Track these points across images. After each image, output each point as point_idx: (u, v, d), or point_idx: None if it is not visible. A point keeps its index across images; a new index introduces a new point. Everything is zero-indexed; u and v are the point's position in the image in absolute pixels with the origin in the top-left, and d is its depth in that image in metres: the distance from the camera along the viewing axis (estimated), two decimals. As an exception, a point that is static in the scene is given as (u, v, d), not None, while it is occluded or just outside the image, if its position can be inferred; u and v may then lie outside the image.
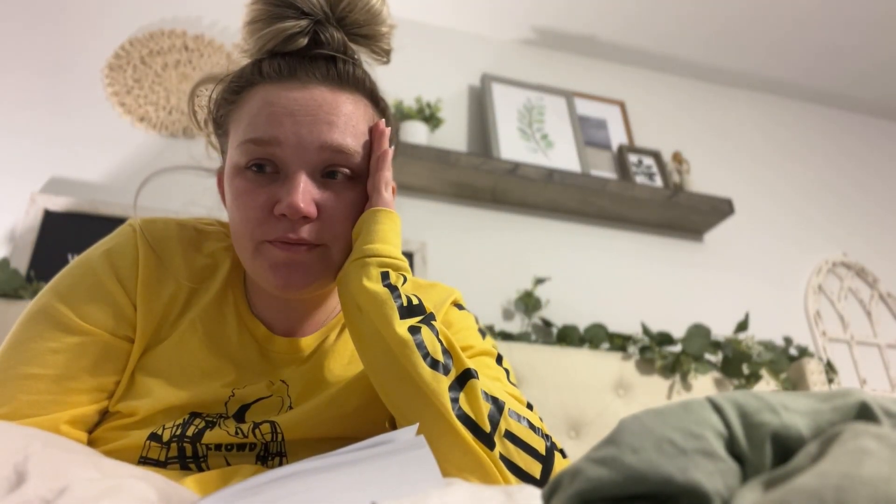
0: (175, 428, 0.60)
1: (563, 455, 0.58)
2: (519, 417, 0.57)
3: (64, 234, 1.47)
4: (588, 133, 2.07)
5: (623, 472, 0.25)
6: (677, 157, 2.05)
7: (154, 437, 0.60)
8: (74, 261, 0.66)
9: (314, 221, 0.61)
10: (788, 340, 1.85)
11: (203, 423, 0.61)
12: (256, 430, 0.61)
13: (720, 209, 1.92)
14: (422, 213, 1.79)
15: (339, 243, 0.63)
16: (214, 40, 1.85)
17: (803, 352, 1.80)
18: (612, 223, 1.98)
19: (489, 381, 0.61)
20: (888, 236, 2.29)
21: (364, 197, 0.65)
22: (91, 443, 0.62)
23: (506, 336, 1.59)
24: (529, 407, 0.62)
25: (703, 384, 1.60)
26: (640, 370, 1.57)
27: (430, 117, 1.85)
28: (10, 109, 1.59)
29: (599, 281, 1.85)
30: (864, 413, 0.27)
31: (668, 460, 0.25)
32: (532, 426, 0.57)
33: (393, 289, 0.59)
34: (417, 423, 0.49)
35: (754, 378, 1.62)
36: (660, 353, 1.59)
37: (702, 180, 2.14)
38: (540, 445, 0.56)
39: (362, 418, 0.65)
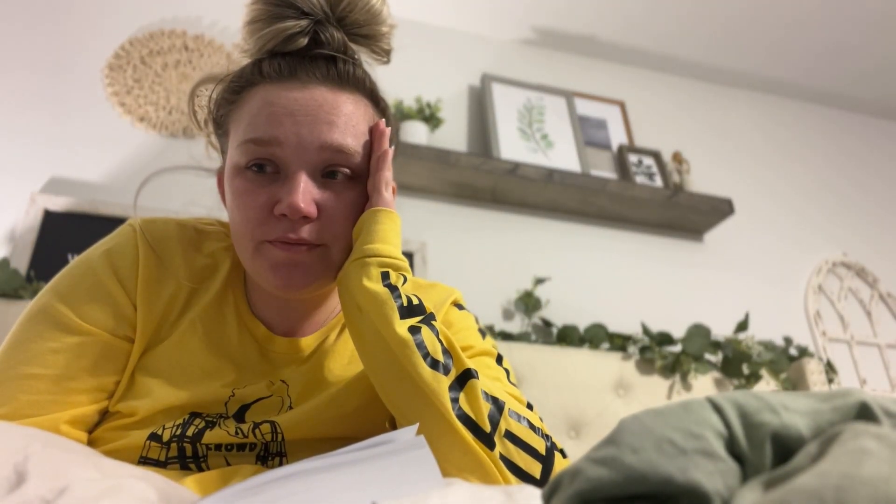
0: (175, 428, 0.60)
1: (563, 455, 0.58)
2: (519, 417, 0.57)
3: (64, 234, 1.47)
4: (588, 133, 2.07)
5: (623, 472, 0.25)
6: (677, 157, 2.05)
7: (154, 437, 0.60)
8: (74, 261, 0.66)
9: (314, 221, 0.61)
10: (788, 340, 1.85)
11: (203, 423, 0.61)
12: (256, 430, 0.61)
13: (720, 209, 1.92)
14: (422, 213, 1.79)
15: (340, 243, 0.63)
16: (214, 40, 1.85)
17: (803, 352, 1.80)
18: (612, 223, 1.98)
19: (489, 381, 0.61)
20: (888, 236, 2.29)
21: (364, 197, 0.65)
22: (91, 443, 0.62)
23: (506, 336, 1.59)
24: (529, 407, 0.62)
25: (703, 384, 1.60)
26: (640, 370, 1.57)
27: (430, 117, 1.85)
28: (10, 109, 1.59)
29: (599, 281, 1.85)
30: (864, 413, 0.27)
31: (668, 460, 0.25)
32: (532, 426, 0.57)
33: (393, 289, 0.59)
34: (417, 423, 0.49)
35: (754, 378, 1.62)
36: (660, 353, 1.59)
37: (702, 180, 2.14)
38: (540, 445, 0.56)
39: (362, 418, 0.65)
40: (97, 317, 0.61)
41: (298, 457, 0.62)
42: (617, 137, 2.10)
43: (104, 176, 1.58)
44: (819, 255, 2.15)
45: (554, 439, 0.58)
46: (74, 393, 0.60)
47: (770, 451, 0.26)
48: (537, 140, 1.96)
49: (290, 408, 0.64)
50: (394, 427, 0.66)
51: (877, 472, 0.21)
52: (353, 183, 0.64)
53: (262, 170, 0.62)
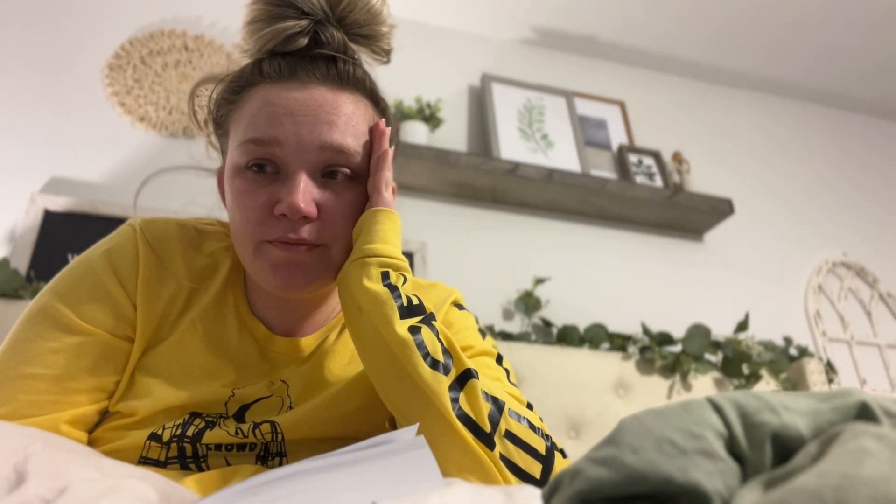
0: (175, 428, 0.60)
1: (563, 455, 0.58)
2: (519, 417, 0.57)
3: (64, 234, 1.47)
4: (588, 133, 2.07)
5: (623, 472, 0.25)
6: (677, 157, 2.05)
7: (154, 437, 0.60)
8: (74, 261, 0.66)
9: (314, 221, 0.61)
10: (788, 340, 1.85)
11: (203, 423, 0.61)
12: (256, 430, 0.61)
13: (720, 209, 1.92)
14: (422, 213, 1.79)
15: (340, 243, 0.63)
16: (214, 40, 1.85)
17: (803, 352, 1.80)
18: (612, 223, 1.98)
19: (489, 381, 0.61)
20: (888, 236, 2.29)
21: (364, 197, 0.65)
22: (91, 443, 0.62)
23: (506, 336, 1.59)
24: (529, 407, 0.62)
25: (703, 384, 1.60)
26: (640, 370, 1.57)
27: (430, 117, 1.85)
28: (10, 109, 1.59)
29: (599, 281, 1.85)
30: (864, 413, 0.27)
31: (668, 460, 0.25)
32: (532, 426, 0.57)
33: (393, 289, 0.59)
34: (417, 423, 0.49)
35: (754, 378, 1.62)
36: (660, 353, 1.59)
37: (702, 180, 2.14)
38: (540, 445, 0.56)
39: (362, 418, 0.65)
40: (97, 317, 0.61)
41: (298, 457, 0.62)
42: (617, 137, 2.10)
43: (104, 176, 1.58)
44: (819, 255, 2.15)
45: (554, 439, 0.58)
46: (74, 393, 0.60)
47: (770, 451, 0.26)
48: (537, 140, 1.96)
49: (290, 408, 0.64)
50: (394, 427, 0.66)
51: (877, 472, 0.21)
52: (354, 183, 0.64)
53: (262, 170, 0.62)
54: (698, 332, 1.66)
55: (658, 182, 1.99)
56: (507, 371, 0.67)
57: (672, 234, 2.02)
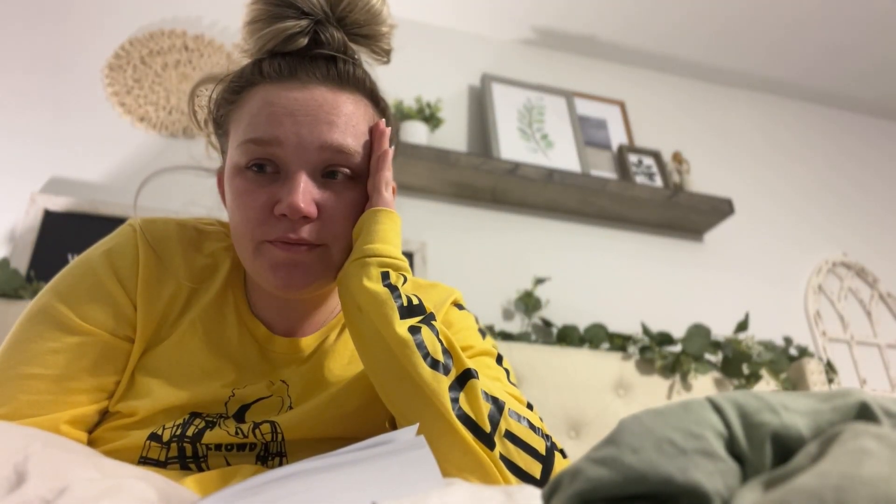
0: (175, 428, 0.60)
1: (564, 455, 0.58)
2: (519, 417, 0.57)
3: (64, 234, 1.47)
4: (588, 133, 2.07)
5: (623, 472, 0.25)
6: (677, 157, 2.05)
7: (154, 437, 0.60)
8: (74, 261, 0.66)
9: (314, 221, 0.61)
10: (788, 340, 1.85)
11: (203, 423, 0.61)
12: (256, 430, 0.61)
13: (720, 209, 1.92)
14: (422, 213, 1.79)
15: (340, 243, 0.63)
16: (214, 40, 1.85)
17: (803, 352, 1.80)
18: (612, 223, 1.98)
19: (489, 381, 0.61)
20: (888, 236, 2.29)
21: (364, 197, 0.65)
22: (91, 443, 0.62)
23: (506, 336, 1.59)
24: (529, 407, 0.62)
25: (703, 384, 1.60)
26: (640, 370, 1.57)
27: (430, 117, 1.85)
28: (10, 109, 1.59)
29: (599, 281, 1.85)
30: (864, 413, 0.27)
31: (668, 460, 0.25)
32: (532, 426, 0.57)
33: (393, 289, 0.59)
34: (417, 423, 0.49)
35: (754, 378, 1.62)
36: (660, 353, 1.59)
37: (702, 180, 2.14)
38: (540, 445, 0.56)
39: (362, 418, 0.65)
40: (97, 317, 0.61)
41: (298, 457, 0.62)
42: (617, 137, 2.10)
43: (104, 176, 1.58)
44: (819, 255, 2.15)
45: (554, 439, 0.58)
46: (74, 393, 0.60)
47: (770, 451, 0.26)
48: (537, 140, 1.96)
49: (290, 408, 0.64)
50: (394, 427, 0.66)
51: (877, 472, 0.21)
52: (354, 183, 0.64)
53: (263, 170, 0.62)
54: (698, 332, 1.66)
55: (658, 182, 1.99)
56: (507, 371, 0.67)
57: (672, 234, 2.02)
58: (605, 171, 2.00)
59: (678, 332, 1.77)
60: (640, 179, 1.97)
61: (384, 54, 0.71)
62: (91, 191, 1.55)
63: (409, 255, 1.67)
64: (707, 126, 2.30)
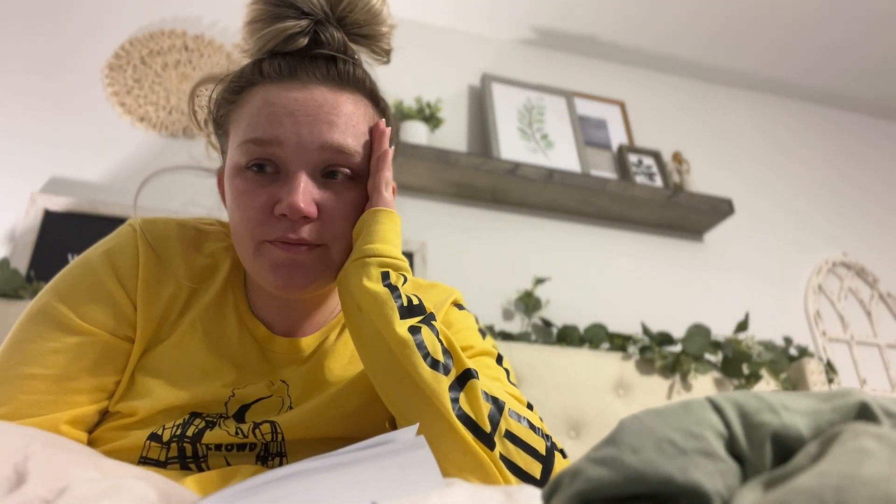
0: (175, 428, 0.60)
1: (564, 455, 0.58)
2: (519, 417, 0.57)
3: (64, 234, 1.47)
4: (588, 133, 2.07)
5: (623, 472, 0.25)
6: (677, 157, 2.05)
7: (154, 437, 0.60)
8: (74, 261, 0.66)
9: (314, 221, 0.61)
10: (788, 340, 1.85)
11: (203, 424, 0.61)
12: (256, 430, 0.61)
13: (720, 209, 1.92)
14: (422, 213, 1.79)
15: (340, 243, 0.63)
16: (214, 40, 1.85)
17: (803, 352, 1.80)
18: (612, 223, 1.98)
19: (489, 381, 0.61)
20: (888, 236, 2.29)
21: (364, 197, 0.65)
22: (91, 443, 0.62)
23: (506, 336, 1.59)
24: (529, 407, 0.62)
25: (703, 384, 1.60)
26: (640, 370, 1.57)
27: (430, 117, 1.85)
28: (10, 109, 1.59)
29: (599, 281, 1.85)
30: (864, 413, 0.27)
31: (668, 460, 0.25)
32: (532, 426, 0.57)
33: (393, 289, 0.59)
34: (417, 423, 0.49)
35: (754, 378, 1.62)
36: (660, 353, 1.59)
37: (702, 180, 2.14)
38: (540, 445, 0.56)
39: (362, 418, 0.65)
40: (97, 317, 0.61)
41: (298, 457, 0.62)
42: (617, 137, 2.10)
43: (104, 176, 1.58)
44: (819, 255, 2.15)
45: (554, 439, 0.58)
46: (74, 393, 0.60)
47: (770, 451, 0.26)
48: (537, 140, 1.96)
49: (290, 408, 0.64)
50: (394, 427, 0.66)
51: (877, 472, 0.21)
52: (354, 183, 0.64)
53: (263, 170, 0.62)
54: (698, 332, 1.66)
55: (658, 182, 1.99)
56: (507, 371, 0.67)
57: (672, 234, 2.02)
58: (605, 171, 2.00)
59: (678, 332, 1.77)
60: (640, 179, 1.97)
61: (384, 54, 0.71)
62: (91, 191, 1.55)
63: (409, 255, 1.67)
64: (707, 126, 2.30)
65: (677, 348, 1.69)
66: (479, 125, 2.01)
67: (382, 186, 0.64)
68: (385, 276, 0.59)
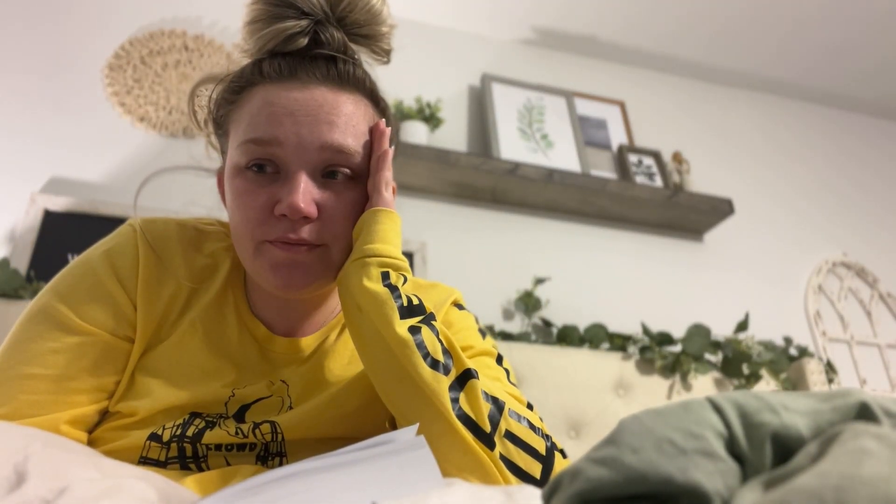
0: (175, 428, 0.60)
1: (564, 455, 0.58)
2: (519, 417, 0.57)
3: (64, 234, 1.47)
4: (588, 133, 2.07)
5: (623, 472, 0.25)
6: (677, 157, 2.05)
7: (154, 437, 0.60)
8: (74, 261, 0.66)
9: (314, 221, 0.61)
10: (788, 340, 1.85)
11: (203, 423, 0.61)
12: (256, 430, 0.61)
13: (720, 209, 1.92)
14: (422, 213, 1.79)
15: (340, 243, 0.63)
16: (214, 40, 1.85)
17: (803, 352, 1.80)
18: (612, 223, 1.98)
19: (489, 381, 0.61)
20: (888, 236, 2.29)
21: (364, 197, 0.65)
22: (91, 443, 0.62)
23: (506, 336, 1.59)
24: (529, 407, 0.62)
25: (703, 384, 1.60)
26: (640, 370, 1.57)
27: (430, 117, 1.85)
28: (10, 109, 1.59)
29: (599, 281, 1.85)
30: (864, 413, 0.27)
31: (668, 460, 0.25)
32: (532, 426, 0.57)
33: (393, 289, 0.59)
34: (417, 423, 0.49)
35: (754, 378, 1.62)
36: (660, 353, 1.59)
37: (702, 180, 2.14)
38: (540, 445, 0.56)
39: (362, 418, 0.65)
40: (97, 317, 0.61)
41: (298, 457, 0.62)
42: (617, 137, 2.10)
43: (104, 176, 1.58)
44: (819, 255, 2.15)
45: (554, 439, 0.58)
46: (74, 393, 0.60)
47: (770, 451, 0.26)
48: (537, 140, 1.96)
49: (290, 408, 0.64)
50: (394, 427, 0.66)
51: (877, 472, 0.21)
52: (354, 183, 0.64)
53: (263, 170, 0.62)
54: (698, 332, 1.66)
55: (658, 182, 1.99)
56: (507, 371, 0.67)
57: (672, 234, 2.02)
58: (605, 171, 2.00)
59: (678, 332, 1.77)
60: (640, 179, 1.97)
61: (384, 54, 0.71)
62: (91, 191, 1.55)
63: (409, 255, 1.67)
64: (707, 126, 2.30)
65: (677, 348, 1.69)
66: (479, 125, 2.01)
67: (382, 186, 0.64)
68: (385, 276, 0.59)
